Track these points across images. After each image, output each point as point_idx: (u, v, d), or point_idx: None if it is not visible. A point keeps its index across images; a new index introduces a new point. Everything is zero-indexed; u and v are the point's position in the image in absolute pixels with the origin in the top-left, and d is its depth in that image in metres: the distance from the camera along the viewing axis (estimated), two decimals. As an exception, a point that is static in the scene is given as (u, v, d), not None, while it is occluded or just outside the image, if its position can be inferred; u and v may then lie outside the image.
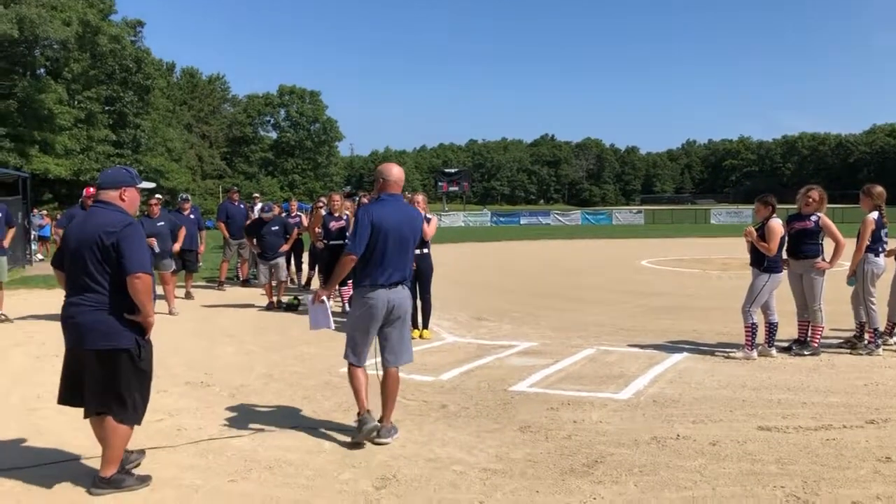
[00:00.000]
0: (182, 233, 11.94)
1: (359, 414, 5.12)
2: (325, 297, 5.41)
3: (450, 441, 5.13)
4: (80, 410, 4.27)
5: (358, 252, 5.01)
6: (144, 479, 4.30)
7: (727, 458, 4.73)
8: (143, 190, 4.59)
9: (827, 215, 8.06)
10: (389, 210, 5.12)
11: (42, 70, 38.45)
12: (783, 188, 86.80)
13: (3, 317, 10.26)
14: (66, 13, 33.24)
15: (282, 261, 11.93)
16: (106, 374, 4.10)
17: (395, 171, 5.29)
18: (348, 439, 5.16)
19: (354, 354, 5.16)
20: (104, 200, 4.27)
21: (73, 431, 5.08)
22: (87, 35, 34.75)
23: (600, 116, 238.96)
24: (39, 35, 31.36)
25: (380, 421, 5.15)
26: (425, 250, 8.92)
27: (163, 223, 11.32)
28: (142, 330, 4.21)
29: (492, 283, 15.96)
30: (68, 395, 4.27)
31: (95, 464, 4.37)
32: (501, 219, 56.57)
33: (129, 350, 4.14)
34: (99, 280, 4.07)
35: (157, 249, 10.85)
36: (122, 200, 4.29)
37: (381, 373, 5.30)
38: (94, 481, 4.20)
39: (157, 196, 12.37)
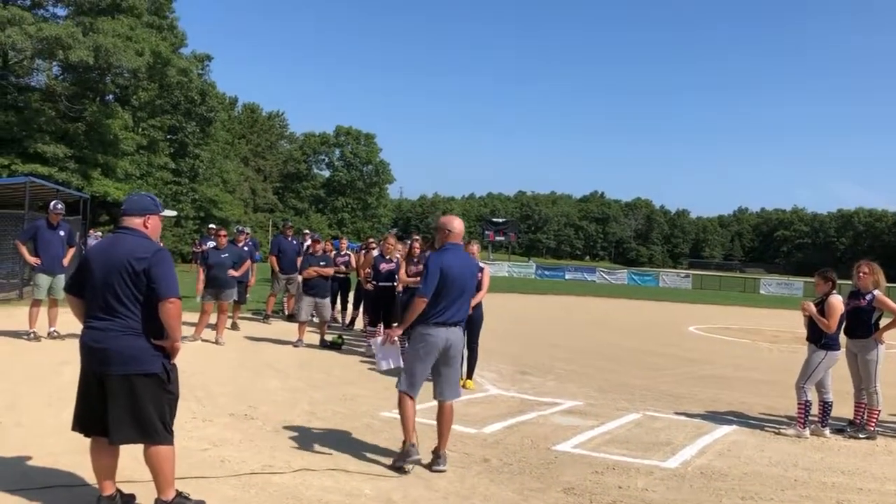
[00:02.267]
0: (246, 264, 12.29)
1: (404, 443, 5.54)
2: (396, 338, 5.88)
3: (492, 497, 5.04)
4: None
5: (429, 295, 5.51)
6: None
7: (779, 540, 4.56)
8: (164, 217, 4.60)
9: (884, 293, 7.84)
10: (455, 258, 5.67)
11: (111, 96, 39.77)
12: (837, 262, 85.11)
13: (55, 333, 10.48)
14: (140, 44, 34.40)
15: (327, 300, 12.01)
16: (135, 399, 4.08)
17: (457, 224, 5.85)
18: (389, 485, 5.12)
19: (411, 385, 5.59)
20: (128, 227, 4.29)
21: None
22: (157, 66, 35.82)
23: (652, 177, 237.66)
24: (113, 63, 32.44)
25: (436, 451, 5.59)
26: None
27: (226, 255, 11.63)
28: (167, 354, 4.22)
29: (536, 336, 15.83)
30: (87, 423, 4.22)
31: (134, 487, 4.40)
32: (546, 272, 56.27)
33: (157, 374, 4.14)
34: (128, 305, 4.09)
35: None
36: (146, 227, 4.32)
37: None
38: None
39: (212, 226, 12.68)
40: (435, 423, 5.80)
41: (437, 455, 5.56)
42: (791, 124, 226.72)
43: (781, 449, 6.86)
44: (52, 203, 10.81)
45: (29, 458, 5.17)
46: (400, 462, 5.51)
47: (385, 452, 5.93)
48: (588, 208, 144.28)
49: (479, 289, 8.94)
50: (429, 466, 5.51)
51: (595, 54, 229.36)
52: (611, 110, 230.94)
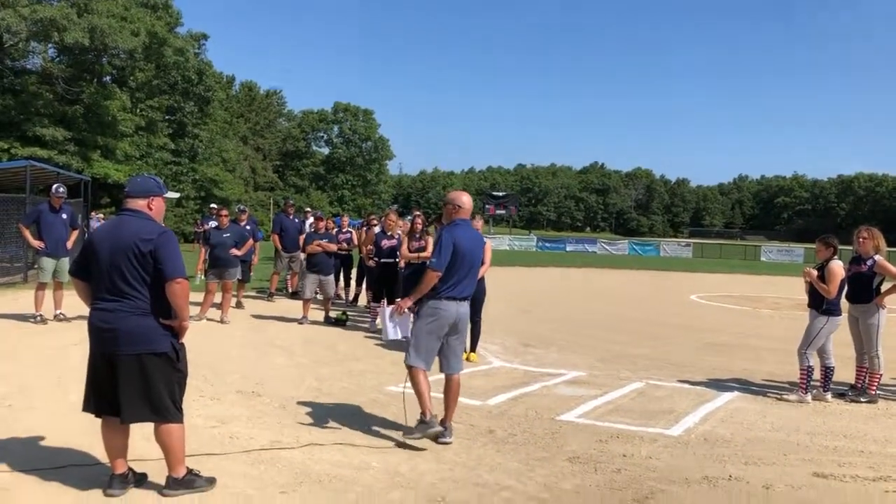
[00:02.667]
0: (248, 243, 12.35)
1: (423, 415, 5.53)
2: (406, 308, 5.91)
3: (498, 467, 5.12)
4: None
5: (442, 268, 5.56)
6: (212, 481, 4.43)
7: (781, 503, 4.63)
8: (167, 199, 4.62)
9: (885, 258, 7.87)
10: (465, 233, 5.72)
11: (108, 78, 39.65)
12: (838, 228, 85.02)
13: (62, 316, 10.55)
14: (135, 24, 34.19)
15: (331, 277, 12.07)
16: (145, 378, 4.15)
17: (466, 199, 5.88)
18: (397, 458, 5.20)
19: (423, 359, 5.60)
20: (132, 209, 4.33)
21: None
22: (153, 46, 35.70)
23: (651, 147, 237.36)
24: (108, 44, 32.29)
25: (442, 422, 5.60)
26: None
27: (228, 234, 11.66)
28: (175, 333, 4.28)
29: (538, 309, 15.89)
30: (98, 404, 4.28)
31: (144, 465, 4.48)
32: (547, 244, 56.29)
33: (167, 353, 4.21)
34: (135, 286, 4.14)
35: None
36: (150, 209, 4.36)
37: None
38: (167, 482, 4.31)
39: (213, 205, 12.69)
40: (440, 396, 5.85)
41: (444, 427, 5.60)
42: (791, 91, 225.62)
43: (783, 414, 6.94)
44: (54, 186, 10.82)
45: (41, 438, 5.25)
46: (419, 433, 5.47)
47: (392, 426, 6.01)
48: (588, 179, 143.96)
49: (481, 263, 8.98)
50: (434, 438, 5.56)
51: (591, 25, 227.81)
52: (610, 81, 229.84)
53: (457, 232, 5.66)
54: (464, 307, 5.71)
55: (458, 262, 5.58)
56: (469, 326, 8.91)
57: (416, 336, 5.68)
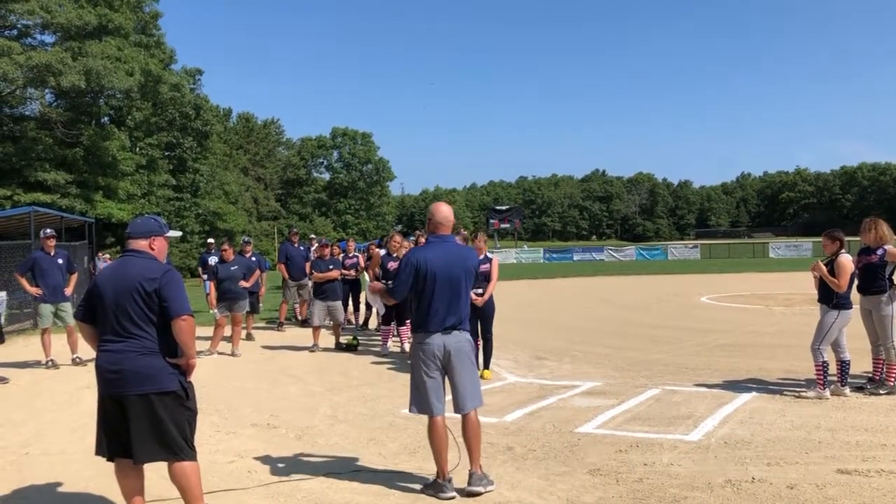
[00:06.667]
0: (256, 274, 12.38)
1: (436, 475, 4.96)
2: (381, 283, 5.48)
3: (518, 484, 5.08)
4: None
5: (398, 295, 5.02)
6: None
7: (807, 502, 4.58)
8: (170, 238, 4.62)
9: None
10: (436, 253, 4.98)
11: (106, 118, 39.90)
12: (844, 220, 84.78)
13: (78, 360, 10.56)
14: (129, 64, 34.39)
15: (339, 303, 12.06)
16: (155, 418, 4.14)
17: (442, 211, 5.14)
18: (416, 483, 5.15)
19: (416, 404, 4.99)
20: (135, 249, 4.36)
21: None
22: (149, 84, 35.83)
23: (652, 151, 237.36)
24: (105, 85, 32.47)
25: (470, 471, 4.96)
26: (479, 290, 8.79)
27: (236, 267, 11.70)
28: (183, 372, 4.27)
29: (549, 321, 15.84)
30: (110, 447, 4.24)
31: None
32: (555, 255, 56.19)
33: (175, 392, 4.20)
34: (142, 326, 4.15)
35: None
36: (152, 249, 4.38)
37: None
38: None
39: (210, 241, 12.70)
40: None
41: (471, 474, 4.95)
42: (787, 85, 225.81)
43: (803, 412, 6.88)
44: (41, 231, 10.85)
45: (59, 484, 5.24)
46: (429, 494, 4.91)
47: (410, 450, 5.97)
48: (591, 188, 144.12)
49: (488, 280, 8.94)
50: (466, 492, 4.88)
51: (585, 35, 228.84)
52: (607, 86, 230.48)
53: (423, 253, 4.99)
54: (453, 338, 4.91)
55: (430, 287, 4.87)
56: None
57: (411, 378, 5.08)
